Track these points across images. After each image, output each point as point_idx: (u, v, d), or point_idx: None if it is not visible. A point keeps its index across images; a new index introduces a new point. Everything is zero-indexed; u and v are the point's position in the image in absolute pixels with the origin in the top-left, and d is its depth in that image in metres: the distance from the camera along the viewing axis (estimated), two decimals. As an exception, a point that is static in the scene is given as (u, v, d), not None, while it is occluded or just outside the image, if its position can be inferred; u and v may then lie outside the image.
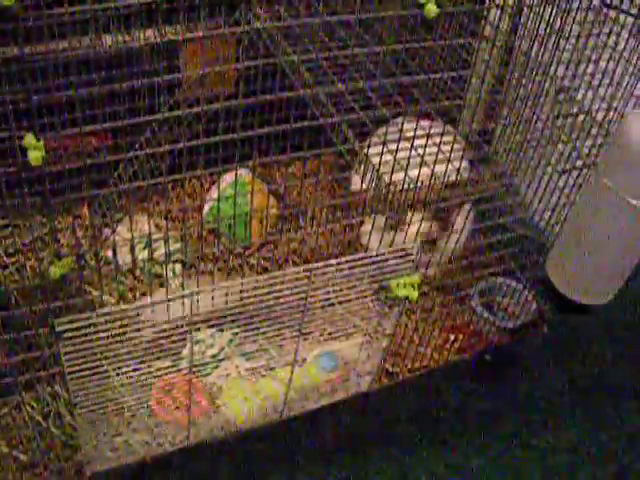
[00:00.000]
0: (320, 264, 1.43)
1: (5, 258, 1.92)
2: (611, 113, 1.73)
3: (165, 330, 1.46)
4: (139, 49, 1.81)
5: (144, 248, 1.84)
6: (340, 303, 1.58)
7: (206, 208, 2.09)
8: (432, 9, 1.24)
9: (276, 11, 1.71)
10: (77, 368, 1.37)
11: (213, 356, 1.71)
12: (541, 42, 1.58)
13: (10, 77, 1.61)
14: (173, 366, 1.55)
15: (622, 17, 1.69)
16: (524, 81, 1.64)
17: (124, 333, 1.41)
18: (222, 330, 1.68)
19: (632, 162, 1.58)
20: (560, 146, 1.76)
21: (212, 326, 1.54)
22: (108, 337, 1.38)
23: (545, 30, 1.57)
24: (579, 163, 1.76)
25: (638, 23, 1.64)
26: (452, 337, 1.99)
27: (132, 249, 1.44)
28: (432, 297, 1.95)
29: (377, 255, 1.47)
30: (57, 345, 1.31)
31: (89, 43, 1.79)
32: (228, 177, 2.05)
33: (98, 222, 1.92)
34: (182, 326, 1.48)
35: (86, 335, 1.36)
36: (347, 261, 1.46)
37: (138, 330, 1.44)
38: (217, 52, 1.76)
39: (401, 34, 1.73)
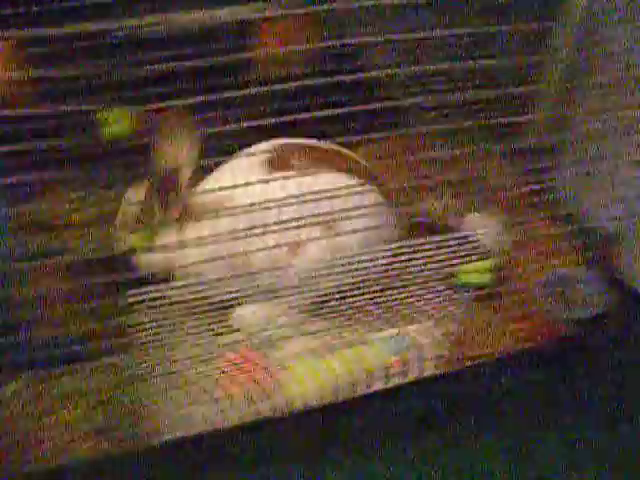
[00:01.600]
0: (393, 245, 1.43)
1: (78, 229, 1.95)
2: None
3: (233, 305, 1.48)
4: (215, 26, 1.82)
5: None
6: (409, 286, 1.57)
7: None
8: None
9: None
10: (147, 339, 1.40)
11: (279, 333, 1.72)
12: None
13: (89, 52, 1.64)
14: (239, 341, 1.57)
15: None
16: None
17: (194, 306, 1.43)
18: (289, 307, 1.70)
19: None
20: (637, 136, 1.72)
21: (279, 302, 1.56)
22: (178, 310, 1.41)
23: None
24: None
25: None
26: (520, 326, 1.97)
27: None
28: (502, 284, 1.93)
29: (449, 239, 1.46)
30: (129, 315, 1.33)
31: (164, 20, 1.81)
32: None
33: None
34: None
35: (157, 307, 1.39)
36: (419, 244, 1.45)
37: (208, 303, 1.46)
38: (294, 31, 1.76)
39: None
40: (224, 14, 1.84)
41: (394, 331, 1.76)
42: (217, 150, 1.55)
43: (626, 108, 1.60)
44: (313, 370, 1.71)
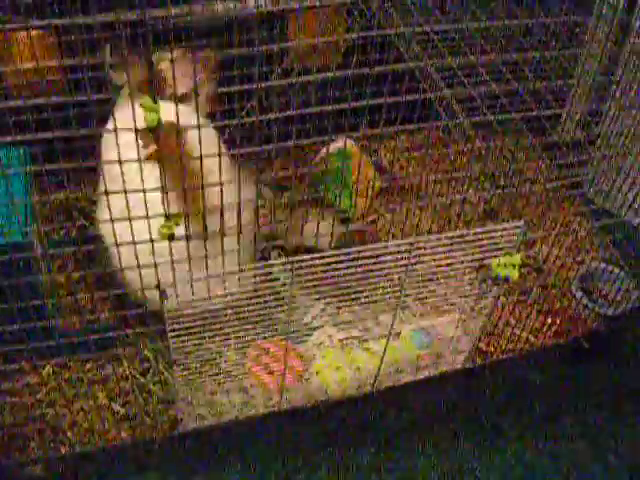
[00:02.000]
0: (422, 238, 1.42)
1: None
2: None
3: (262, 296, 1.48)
4: (251, 16, 1.83)
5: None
6: (439, 279, 1.57)
7: (312, 171, 2.09)
8: None
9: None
10: (179, 327, 1.40)
11: (309, 323, 1.72)
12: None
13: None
14: (269, 331, 1.57)
15: None
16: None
17: (224, 296, 1.43)
18: (318, 299, 1.70)
19: None
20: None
21: (310, 294, 1.55)
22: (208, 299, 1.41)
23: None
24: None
25: None
26: (549, 321, 1.96)
27: (239, 214, 1.45)
28: (531, 279, 1.92)
29: (479, 233, 1.45)
30: (161, 304, 1.33)
31: (202, 9, 1.81)
32: (333, 146, 2.05)
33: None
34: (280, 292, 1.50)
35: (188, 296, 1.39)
36: (449, 237, 1.45)
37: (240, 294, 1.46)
38: (327, 21, 1.76)
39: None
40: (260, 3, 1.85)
41: (426, 323, 1.76)
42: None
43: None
44: (345, 360, 1.71)
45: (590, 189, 1.91)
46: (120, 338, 1.75)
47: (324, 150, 2.10)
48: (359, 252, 1.41)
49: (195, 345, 1.45)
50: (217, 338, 1.49)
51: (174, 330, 1.40)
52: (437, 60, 1.51)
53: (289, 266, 1.41)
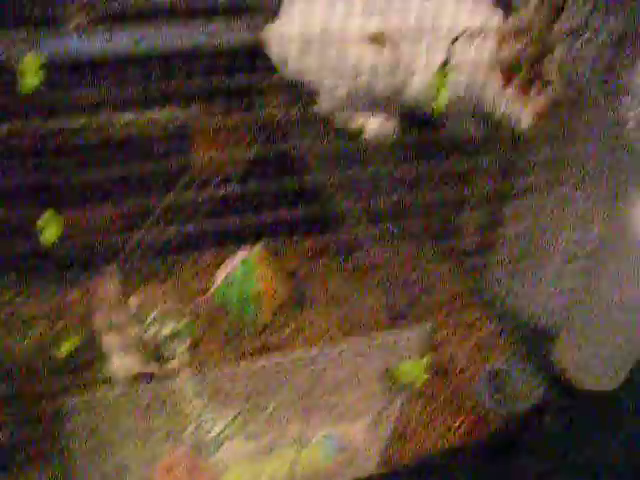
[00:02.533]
0: (327, 347, 1.43)
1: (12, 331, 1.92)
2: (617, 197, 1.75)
3: (170, 410, 1.46)
4: (152, 130, 1.84)
5: (153, 324, 1.85)
6: (343, 388, 1.57)
7: (216, 285, 2.09)
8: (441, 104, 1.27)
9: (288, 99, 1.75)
10: (81, 445, 1.36)
11: (216, 435, 1.69)
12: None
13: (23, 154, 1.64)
14: (177, 445, 1.54)
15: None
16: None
17: (130, 412, 1.41)
18: (226, 409, 1.68)
19: (637, 246, 1.59)
20: (568, 232, 1.77)
21: (216, 405, 1.54)
22: (113, 417, 1.38)
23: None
24: (587, 248, 1.77)
25: None
26: (458, 422, 1.97)
27: (142, 326, 1.44)
28: (438, 380, 1.94)
29: (385, 339, 1.47)
30: (62, 422, 1.30)
31: (103, 122, 1.82)
32: (239, 255, 2.06)
33: (109, 295, 1.93)
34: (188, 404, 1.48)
35: (91, 413, 1.36)
36: (355, 344, 1.46)
37: (145, 408, 1.44)
38: (229, 136, 1.79)
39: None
40: (162, 116, 1.87)
41: (335, 430, 1.75)
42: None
43: (554, 209, 1.66)
44: (255, 471, 1.68)
45: (492, 292, 1.97)
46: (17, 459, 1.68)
47: (232, 261, 2.10)
48: (263, 364, 1.41)
49: (98, 463, 1.41)
50: (121, 455, 1.46)
51: (75, 449, 1.36)
52: (338, 172, 1.55)
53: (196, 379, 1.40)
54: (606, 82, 1.74)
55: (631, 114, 1.67)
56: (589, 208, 1.75)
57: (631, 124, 1.67)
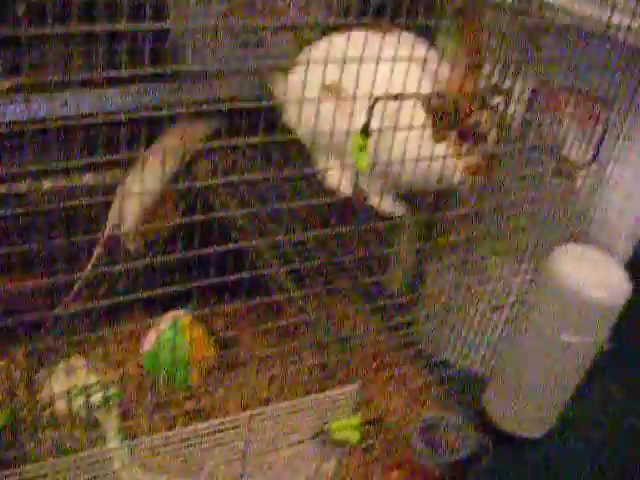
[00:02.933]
0: (259, 410, 1.43)
1: None
2: (539, 249, 1.80)
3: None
4: (78, 192, 1.83)
5: (80, 394, 1.81)
6: (278, 449, 1.57)
7: (144, 352, 2.07)
8: (363, 162, 1.29)
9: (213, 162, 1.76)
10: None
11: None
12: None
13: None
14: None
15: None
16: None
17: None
18: (160, 477, 1.65)
19: (559, 297, 1.63)
20: (492, 283, 1.81)
21: (150, 472, 1.51)
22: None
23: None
24: (510, 299, 1.81)
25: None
26: (395, 474, 1.97)
27: (69, 397, 1.42)
28: (373, 433, 1.94)
29: (317, 399, 1.47)
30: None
31: (28, 186, 1.80)
32: (167, 319, 2.04)
33: (33, 366, 1.89)
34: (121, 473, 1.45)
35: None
36: (287, 406, 1.46)
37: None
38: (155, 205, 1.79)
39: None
40: (87, 179, 1.86)
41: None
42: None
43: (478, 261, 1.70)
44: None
45: (421, 344, 2.00)
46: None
47: (160, 323, 2.08)
48: (194, 430, 1.40)
49: None
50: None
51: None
52: (265, 237, 1.56)
53: (126, 447, 1.37)
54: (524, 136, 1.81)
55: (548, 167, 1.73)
56: (513, 260, 1.80)
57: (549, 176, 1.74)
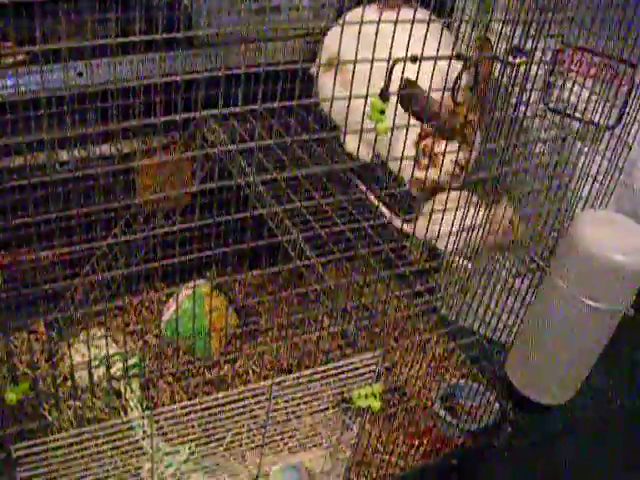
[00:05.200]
0: (280, 378, 1.42)
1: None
2: (562, 215, 1.77)
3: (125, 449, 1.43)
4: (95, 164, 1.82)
5: (100, 365, 1.81)
6: (299, 417, 1.56)
7: (164, 322, 2.07)
8: (382, 126, 1.26)
9: (230, 126, 1.74)
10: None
11: (174, 472, 1.67)
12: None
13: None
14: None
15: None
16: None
17: (82, 457, 1.38)
18: (183, 445, 1.65)
19: (582, 262, 1.61)
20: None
21: (172, 441, 1.52)
22: (65, 461, 1.35)
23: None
24: (533, 265, 1.78)
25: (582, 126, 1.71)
26: (417, 442, 1.97)
27: (89, 368, 1.42)
28: (395, 402, 1.94)
29: (338, 366, 1.46)
30: (13, 469, 1.27)
31: (45, 158, 1.80)
32: (186, 288, 2.04)
33: (54, 338, 1.89)
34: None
35: (43, 460, 1.32)
36: (308, 374, 1.45)
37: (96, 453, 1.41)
38: (173, 168, 1.77)
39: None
40: (104, 151, 1.85)
41: (293, 459, 1.73)
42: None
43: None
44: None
45: (442, 311, 1.98)
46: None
47: (180, 294, 2.08)
48: (216, 398, 1.39)
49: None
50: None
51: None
52: (285, 203, 1.55)
53: (148, 416, 1.37)
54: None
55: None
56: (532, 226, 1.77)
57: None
